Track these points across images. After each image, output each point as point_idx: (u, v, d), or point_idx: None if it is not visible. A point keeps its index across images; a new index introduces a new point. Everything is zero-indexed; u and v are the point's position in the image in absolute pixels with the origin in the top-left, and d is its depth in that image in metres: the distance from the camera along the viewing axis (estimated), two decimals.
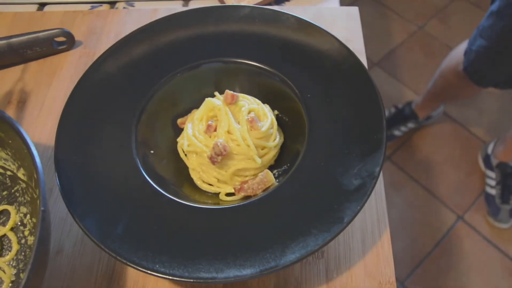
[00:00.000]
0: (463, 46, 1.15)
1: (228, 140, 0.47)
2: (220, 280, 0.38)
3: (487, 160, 1.42)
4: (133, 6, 0.74)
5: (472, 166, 1.49)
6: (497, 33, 0.98)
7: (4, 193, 0.52)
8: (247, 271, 0.38)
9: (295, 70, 0.52)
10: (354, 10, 0.69)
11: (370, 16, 1.93)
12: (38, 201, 0.45)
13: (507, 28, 0.95)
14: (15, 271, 0.47)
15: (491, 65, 1.06)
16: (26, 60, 0.65)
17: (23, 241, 0.49)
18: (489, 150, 1.42)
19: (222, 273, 0.38)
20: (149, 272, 0.39)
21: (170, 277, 0.38)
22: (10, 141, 0.47)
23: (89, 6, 0.74)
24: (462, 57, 1.13)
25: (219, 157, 0.46)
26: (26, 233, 0.49)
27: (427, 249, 1.35)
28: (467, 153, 1.52)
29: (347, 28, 0.67)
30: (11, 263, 0.48)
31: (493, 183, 1.39)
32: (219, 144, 0.46)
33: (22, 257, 0.48)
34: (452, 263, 1.32)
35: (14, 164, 0.49)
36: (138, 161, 0.47)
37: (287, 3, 0.71)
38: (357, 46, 0.64)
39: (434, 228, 1.39)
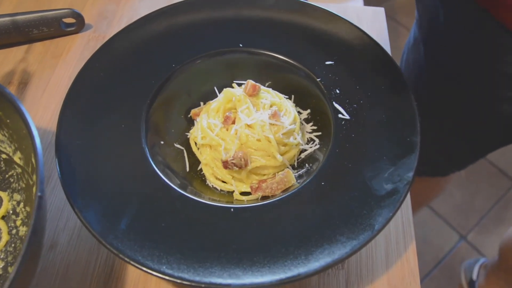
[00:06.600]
0: None
1: (247, 133, 0.43)
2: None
3: (471, 285, 1.21)
4: None
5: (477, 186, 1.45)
6: None
7: None
8: (265, 279, 0.34)
9: (320, 64, 0.48)
10: (380, 11, 0.66)
11: None
12: (34, 188, 0.41)
13: None
14: (2, 264, 0.42)
15: None
16: (31, 40, 0.60)
17: (14, 231, 0.44)
18: (474, 275, 1.22)
19: (238, 279, 0.34)
20: (154, 273, 0.34)
21: (179, 281, 0.34)
22: (8, 121, 0.43)
23: None
24: None
25: (235, 167, 0.42)
26: (18, 223, 0.44)
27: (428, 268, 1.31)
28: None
29: (372, 29, 0.63)
30: None
31: None
32: (240, 157, 0.42)
33: (11, 249, 0.43)
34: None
35: (10, 147, 0.45)
36: (147, 151, 0.43)
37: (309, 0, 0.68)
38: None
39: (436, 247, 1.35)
